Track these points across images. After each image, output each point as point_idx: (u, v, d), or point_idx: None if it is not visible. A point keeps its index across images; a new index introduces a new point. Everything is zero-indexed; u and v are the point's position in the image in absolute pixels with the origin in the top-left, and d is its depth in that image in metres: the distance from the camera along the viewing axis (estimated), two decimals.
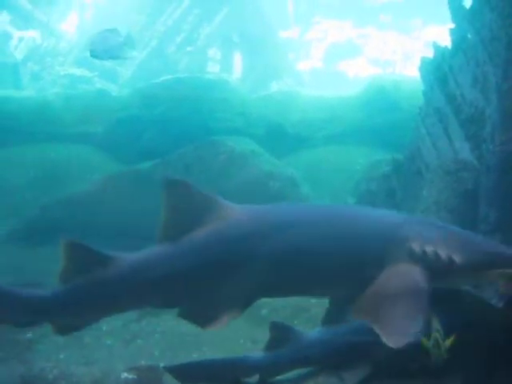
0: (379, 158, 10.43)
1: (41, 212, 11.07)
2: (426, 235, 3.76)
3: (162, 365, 5.32)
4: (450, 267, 3.70)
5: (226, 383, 4.99)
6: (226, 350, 5.72)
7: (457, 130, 6.82)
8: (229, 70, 20.16)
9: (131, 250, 4.06)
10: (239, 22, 19.88)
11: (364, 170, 10.56)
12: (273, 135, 13.76)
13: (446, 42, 7.40)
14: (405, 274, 3.62)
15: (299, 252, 3.75)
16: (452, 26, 7.27)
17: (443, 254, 3.69)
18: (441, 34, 10.26)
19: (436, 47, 7.60)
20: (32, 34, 21.05)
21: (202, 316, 3.80)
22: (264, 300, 4.13)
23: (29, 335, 6.26)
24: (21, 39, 20.92)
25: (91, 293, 3.92)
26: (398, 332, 3.41)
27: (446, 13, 7.39)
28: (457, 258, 3.70)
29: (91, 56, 8.42)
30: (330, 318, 5.05)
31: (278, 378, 5.01)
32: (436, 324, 4.28)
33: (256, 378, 4.98)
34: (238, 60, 20.51)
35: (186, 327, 6.71)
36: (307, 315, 6.66)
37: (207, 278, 3.78)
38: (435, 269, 3.68)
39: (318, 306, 5.99)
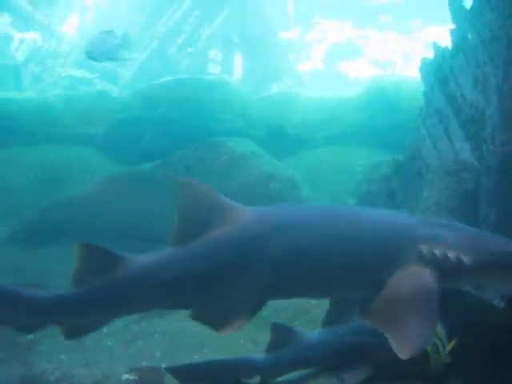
0: (380, 159, 10.43)
1: (41, 213, 11.07)
2: (436, 236, 3.73)
3: (163, 366, 5.32)
4: (461, 268, 3.67)
5: None
6: (227, 351, 5.71)
7: (457, 131, 6.82)
8: (229, 71, 20.17)
9: (132, 251, 4.06)
10: (240, 23, 19.90)
11: (364, 171, 10.56)
12: (273, 136, 13.76)
13: (446, 42, 7.41)
14: (416, 278, 3.59)
15: (311, 254, 3.74)
16: (452, 26, 7.27)
17: (455, 255, 3.66)
18: (441, 34, 10.28)
19: (436, 48, 7.60)
20: (33, 36, 21.08)
21: (214, 319, 3.81)
22: None
23: (29, 336, 6.25)
24: (22, 41, 20.95)
25: (104, 294, 3.93)
26: (408, 343, 3.39)
27: (446, 13, 7.39)
28: (469, 259, 3.67)
29: (88, 58, 8.45)
30: (331, 320, 5.05)
31: (279, 379, 5.01)
32: (438, 327, 4.28)
33: (257, 379, 4.98)
34: (238, 61, 20.52)
35: (187, 328, 6.73)
36: (308, 316, 6.66)
37: (218, 281, 3.78)
38: (446, 270, 3.66)
39: (319, 307, 5.99)
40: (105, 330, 6.47)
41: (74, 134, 13.99)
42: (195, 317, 3.89)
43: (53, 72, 19.81)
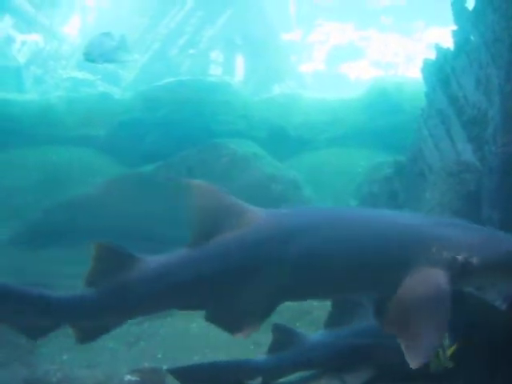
0: (381, 160, 10.42)
1: (43, 215, 11.08)
2: (450, 237, 3.71)
3: (164, 367, 5.32)
4: (474, 269, 3.65)
5: None
6: (229, 352, 5.71)
7: (459, 132, 6.82)
8: (231, 72, 20.18)
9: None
10: (242, 25, 19.91)
11: (366, 173, 10.55)
12: (275, 138, 13.77)
13: (448, 44, 7.40)
14: (429, 280, 3.57)
15: (325, 256, 3.74)
16: (454, 27, 7.26)
17: (468, 256, 3.64)
18: (442, 35, 10.26)
19: (438, 49, 7.59)
20: (35, 38, 21.10)
21: (228, 321, 3.82)
22: None
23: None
24: (24, 43, 20.96)
25: (120, 295, 3.92)
26: (420, 353, 3.41)
27: (448, 15, 7.38)
28: (482, 260, 3.65)
29: (86, 60, 8.45)
30: (333, 321, 5.05)
31: (281, 380, 5.01)
32: None
33: (259, 380, 4.98)
34: (240, 62, 20.53)
35: (189, 329, 6.73)
36: (310, 318, 6.65)
37: (231, 283, 3.78)
38: (459, 271, 3.64)
39: (321, 308, 5.98)
40: None
41: (76, 135, 14.00)
42: (209, 318, 3.89)
43: (55, 74, 19.84)
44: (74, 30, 23.51)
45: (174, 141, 12.83)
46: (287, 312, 6.71)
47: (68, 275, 8.49)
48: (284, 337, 4.95)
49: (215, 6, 19.76)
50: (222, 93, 14.53)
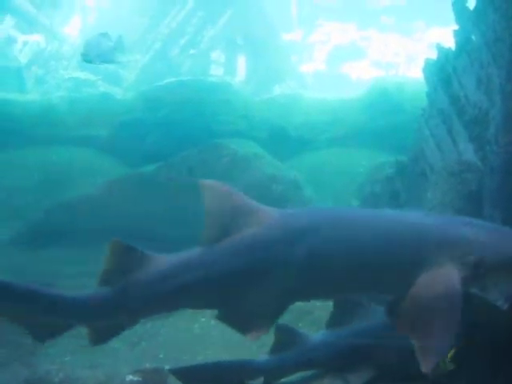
0: (382, 160, 10.42)
1: (45, 215, 11.08)
2: (462, 237, 3.70)
3: (166, 367, 5.31)
4: (486, 269, 3.64)
5: None
6: (231, 352, 5.71)
7: (460, 132, 6.82)
8: (232, 72, 20.17)
9: None
10: (243, 25, 19.90)
11: (367, 173, 10.55)
12: (276, 138, 13.78)
13: (450, 44, 7.40)
14: (442, 280, 3.56)
15: (337, 256, 3.74)
16: (456, 27, 7.27)
17: (481, 256, 3.62)
18: (443, 35, 10.27)
19: (440, 49, 7.59)
20: (36, 38, 21.11)
21: (239, 321, 3.82)
22: None
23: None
24: (25, 43, 20.97)
25: (135, 294, 3.91)
26: (433, 352, 3.43)
27: (448, 15, 7.39)
28: (495, 260, 3.63)
29: (83, 60, 8.47)
30: (334, 321, 5.04)
31: (283, 380, 5.01)
32: None
33: (261, 380, 4.97)
34: (241, 63, 20.52)
35: (191, 330, 6.73)
36: (311, 318, 6.65)
37: (243, 283, 3.79)
38: (471, 271, 3.62)
39: (322, 308, 5.98)
40: None
41: (77, 135, 14.02)
42: (221, 318, 3.90)
43: (56, 74, 19.84)
44: (74, 30, 23.50)
45: (174, 141, 12.84)
46: (289, 312, 6.70)
47: (69, 275, 8.52)
48: (286, 337, 4.95)
49: (216, 5, 19.76)
50: (223, 93, 14.54)
